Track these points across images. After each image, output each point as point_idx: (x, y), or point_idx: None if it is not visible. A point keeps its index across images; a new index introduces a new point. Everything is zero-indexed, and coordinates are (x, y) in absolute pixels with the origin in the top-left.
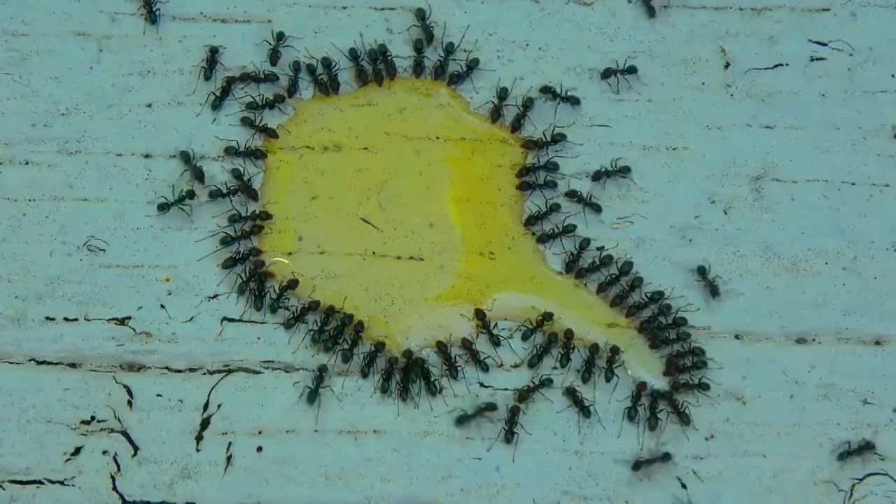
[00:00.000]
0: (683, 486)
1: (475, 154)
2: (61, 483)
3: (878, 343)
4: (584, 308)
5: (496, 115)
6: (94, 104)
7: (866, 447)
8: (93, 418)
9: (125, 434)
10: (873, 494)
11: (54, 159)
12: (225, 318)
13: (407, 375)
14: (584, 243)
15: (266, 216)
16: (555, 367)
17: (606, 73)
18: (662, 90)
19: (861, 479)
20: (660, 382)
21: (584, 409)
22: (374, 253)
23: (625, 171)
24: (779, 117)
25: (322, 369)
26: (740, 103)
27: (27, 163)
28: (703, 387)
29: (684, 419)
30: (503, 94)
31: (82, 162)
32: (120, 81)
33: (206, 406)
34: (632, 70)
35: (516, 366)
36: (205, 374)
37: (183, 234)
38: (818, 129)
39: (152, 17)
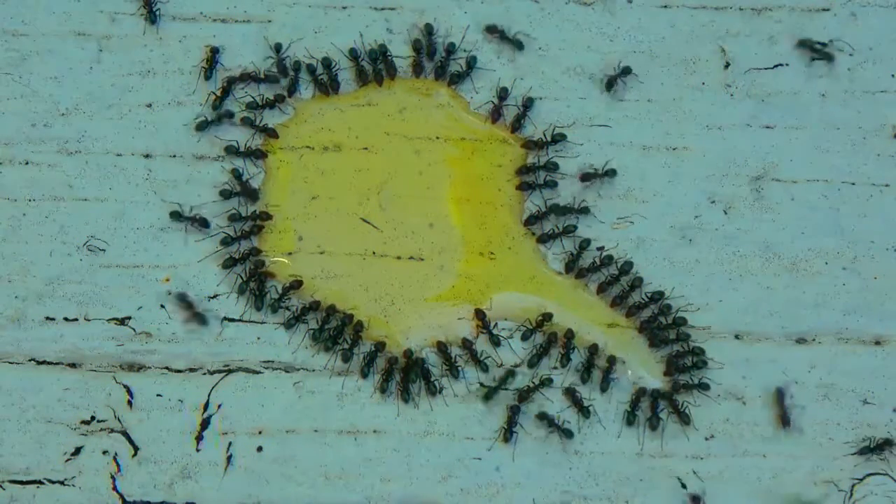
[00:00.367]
0: (683, 486)
1: (475, 154)
2: (61, 483)
3: (878, 343)
4: (584, 308)
5: (496, 115)
6: (94, 104)
7: (886, 444)
8: (93, 418)
9: (125, 434)
10: (873, 494)
11: (54, 159)
12: (225, 318)
13: (407, 375)
14: (585, 243)
15: (266, 216)
16: (554, 367)
17: (609, 84)
18: (662, 90)
19: (861, 479)
20: (660, 382)
21: (583, 410)
22: (374, 253)
23: (611, 173)
24: (779, 117)
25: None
26: (740, 103)
27: (27, 163)
28: (703, 387)
29: (684, 419)
30: (503, 94)
31: (82, 162)
32: (120, 81)
33: (206, 406)
34: (627, 71)
35: (516, 366)
36: (205, 374)
37: (183, 234)
38: (818, 129)
39: (152, 17)
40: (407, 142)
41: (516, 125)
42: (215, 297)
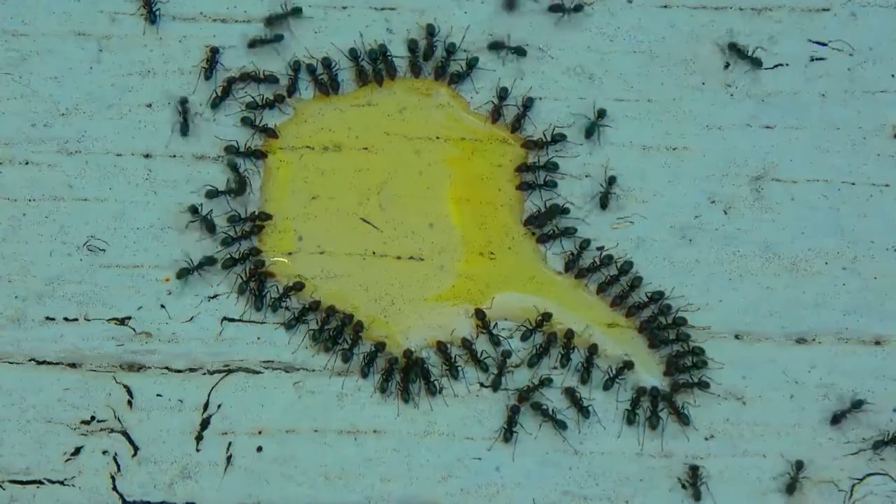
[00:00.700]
0: (683, 486)
1: (475, 154)
2: (61, 483)
3: (878, 343)
4: (584, 308)
5: (496, 115)
6: (94, 104)
7: (856, 406)
8: (93, 418)
9: (125, 434)
10: (873, 494)
11: (54, 159)
12: (225, 318)
13: (407, 375)
14: (585, 243)
15: (266, 216)
16: (554, 367)
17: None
18: (662, 90)
19: (861, 479)
20: (660, 382)
21: (582, 410)
22: (374, 253)
23: (560, 137)
24: (779, 117)
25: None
26: (740, 103)
27: (27, 163)
28: (703, 385)
29: (684, 420)
30: (503, 94)
31: (82, 162)
32: (120, 81)
33: (206, 406)
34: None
35: (516, 366)
36: (205, 374)
37: (183, 235)
38: (818, 129)
39: (152, 17)
40: (407, 142)
41: (516, 125)
42: (215, 297)
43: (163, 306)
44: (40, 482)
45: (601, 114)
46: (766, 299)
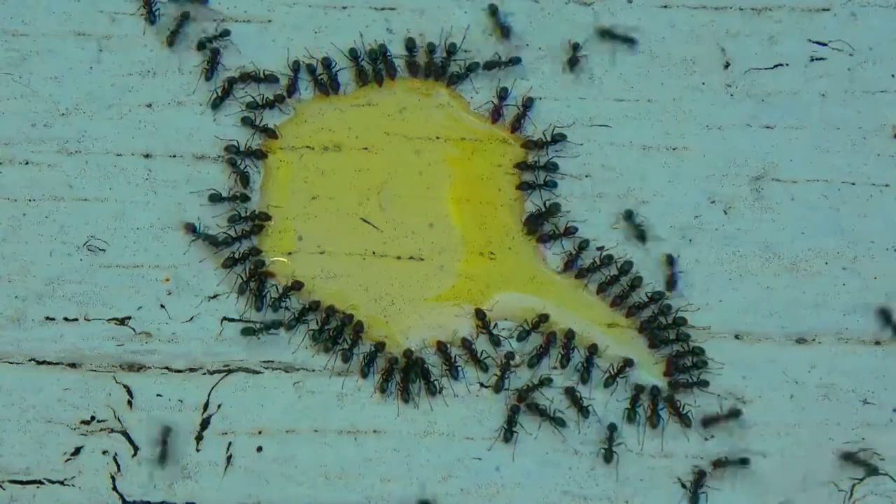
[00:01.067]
0: (683, 486)
1: (475, 154)
2: (61, 483)
3: (878, 343)
4: (584, 308)
5: (496, 115)
6: (94, 104)
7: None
8: (93, 418)
9: (125, 434)
10: (873, 494)
11: (54, 159)
12: (225, 318)
13: (407, 375)
14: (584, 244)
15: (266, 216)
16: (554, 367)
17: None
18: (662, 90)
19: (861, 479)
20: (660, 382)
21: (582, 410)
22: (374, 253)
23: (560, 137)
24: (779, 117)
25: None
26: (740, 103)
27: (27, 163)
28: (703, 384)
29: (685, 421)
30: (503, 94)
31: (82, 162)
32: (120, 81)
33: (206, 406)
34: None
35: (516, 366)
36: (205, 374)
37: (183, 235)
38: (818, 129)
39: (152, 17)
40: (407, 142)
41: (516, 125)
42: (215, 297)
43: (163, 306)
44: (40, 482)
45: (576, 47)
46: (766, 299)
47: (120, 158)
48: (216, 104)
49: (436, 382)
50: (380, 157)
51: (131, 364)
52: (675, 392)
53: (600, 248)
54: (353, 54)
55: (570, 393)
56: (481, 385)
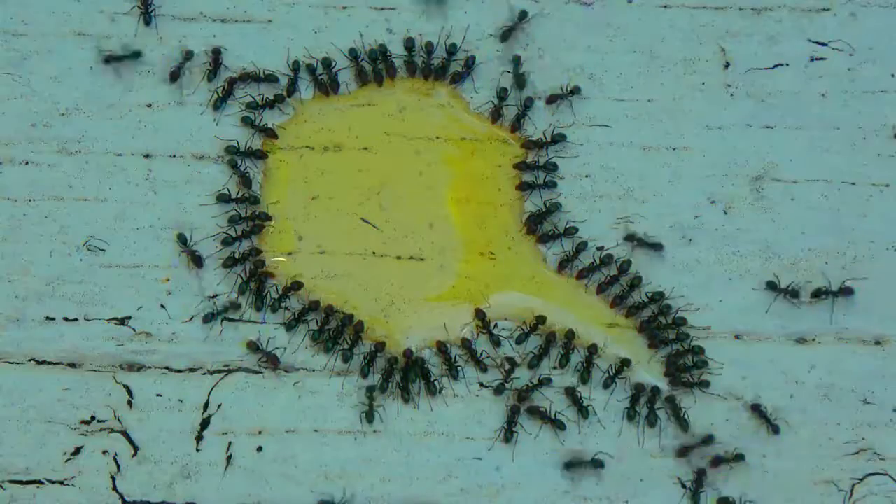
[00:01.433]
0: (683, 486)
1: (475, 154)
2: (61, 483)
3: (878, 343)
4: (584, 308)
5: (496, 115)
6: (94, 104)
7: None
8: (93, 418)
9: (125, 434)
10: (873, 494)
11: (54, 159)
12: (225, 318)
13: (407, 375)
14: (582, 245)
15: (266, 217)
16: (554, 368)
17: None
18: (662, 90)
19: (861, 479)
20: (660, 382)
21: (582, 410)
22: (374, 253)
23: (577, 90)
24: (779, 117)
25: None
26: (740, 103)
27: (27, 163)
28: (703, 384)
29: (683, 425)
30: (503, 94)
31: (82, 162)
32: (120, 81)
33: (206, 406)
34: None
35: (517, 365)
36: (205, 374)
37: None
38: (818, 129)
39: (147, 17)
40: (407, 142)
41: (516, 125)
42: (215, 297)
43: (163, 306)
44: (40, 482)
45: (522, 16)
46: (766, 299)
47: (120, 158)
48: (217, 105)
49: (436, 382)
50: (380, 157)
51: (131, 364)
52: (675, 392)
53: (600, 248)
54: (353, 54)
55: (570, 393)
56: (481, 385)
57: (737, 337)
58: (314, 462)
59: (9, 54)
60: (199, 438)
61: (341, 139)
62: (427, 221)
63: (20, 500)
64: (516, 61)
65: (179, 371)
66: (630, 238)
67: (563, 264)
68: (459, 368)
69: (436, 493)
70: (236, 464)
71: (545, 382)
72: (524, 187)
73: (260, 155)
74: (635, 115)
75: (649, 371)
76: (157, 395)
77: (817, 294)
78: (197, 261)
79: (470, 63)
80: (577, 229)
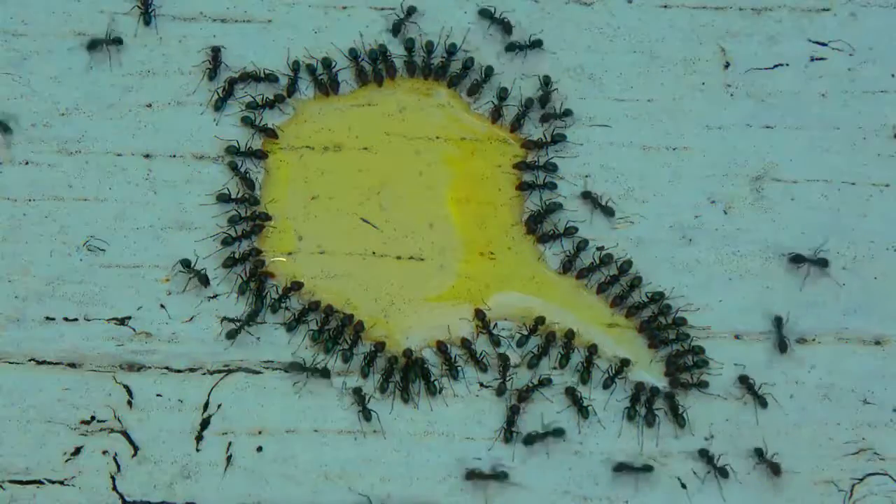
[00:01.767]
0: (683, 486)
1: (475, 154)
2: (61, 483)
3: (878, 343)
4: (584, 308)
5: (496, 115)
6: (94, 104)
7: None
8: (93, 418)
9: (125, 434)
10: (873, 494)
11: (54, 159)
12: (225, 318)
13: (407, 375)
14: (583, 244)
15: (266, 217)
16: (554, 368)
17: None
18: (662, 90)
19: (861, 479)
20: (659, 382)
21: (582, 410)
22: (374, 253)
23: (560, 137)
24: (779, 117)
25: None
26: (740, 103)
27: (27, 163)
28: (702, 385)
29: (680, 422)
30: (503, 94)
31: (82, 162)
32: (120, 81)
33: (206, 406)
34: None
35: (515, 366)
36: (205, 374)
37: (183, 235)
38: (818, 129)
39: (147, 17)
40: (407, 142)
41: (516, 125)
42: (215, 297)
43: (163, 306)
44: (40, 482)
45: (410, 11)
46: (766, 299)
47: (120, 158)
48: (218, 105)
49: (436, 382)
50: (380, 157)
51: (131, 364)
52: (675, 391)
53: (600, 248)
54: (353, 54)
55: (571, 393)
56: (481, 385)
57: (737, 337)
58: (314, 462)
59: (9, 54)
60: (199, 438)
61: (341, 139)
62: (427, 221)
63: (20, 500)
64: (547, 82)
65: (179, 371)
66: (586, 196)
67: (567, 265)
68: (459, 368)
69: (436, 493)
70: (236, 464)
71: (545, 382)
72: (524, 187)
73: (260, 155)
74: (635, 115)
75: (649, 371)
76: (157, 395)
77: (795, 260)
78: (204, 280)
79: (469, 64)
80: (577, 229)
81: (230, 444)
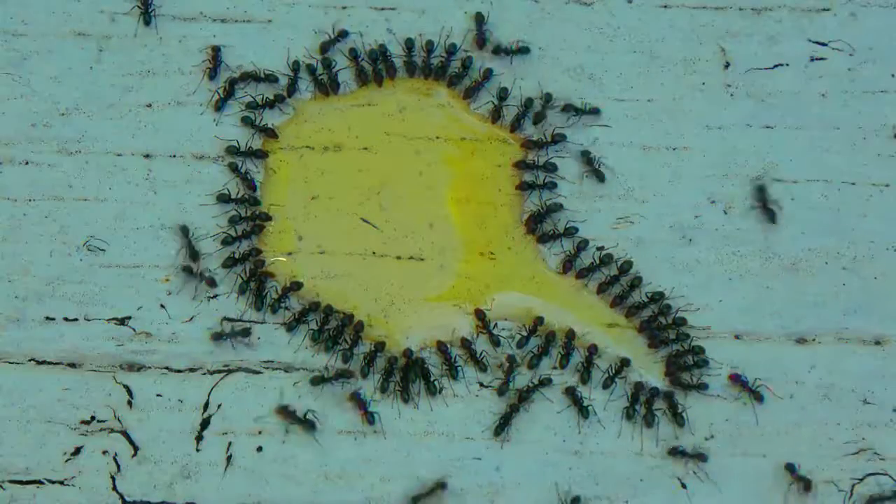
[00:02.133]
0: (683, 485)
1: (475, 154)
2: (61, 483)
3: (878, 343)
4: (584, 308)
5: (496, 115)
6: (94, 104)
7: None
8: (93, 418)
9: (125, 434)
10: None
11: (54, 159)
12: (225, 318)
13: (407, 375)
14: (583, 244)
15: (266, 217)
16: (554, 368)
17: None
18: (662, 90)
19: (861, 479)
20: (659, 382)
21: (582, 410)
22: (374, 253)
23: (560, 137)
24: (779, 117)
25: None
26: (740, 103)
27: (27, 163)
28: (702, 387)
29: (679, 421)
30: (503, 94)
31: (82, 162)
32: (120, 81)
33: (206, 406)
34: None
35: (517, 366)
36: (205, 374)
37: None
38: (818, 129)
39: (147, 17)
40: (407, 142)
41: (516, 125)
42: (215, 297)
43: (163, 306)
44: (40, 482)
45: (341, 35)
46: (766, 299)
47: (120, 158)
48: (219, 106)
49: (436, 382)
50: (380, 157)
51: (131, 364)
52: (675, 391)
53: (600, 248)
54: (353, 54)
55: (571, 393)
56: (481, 385)
57: (737, 337)
58: (314, 462)
59: (9, 54)
60: (199, 438)
61: (341, 139)
62: (427, 221)
63: (20, 500)
64: (550, 98)
65: (179, 371)
66: (567, 108)
67: (567, 265)
68: (459, 368)
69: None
70: (236, 464)
71: (545, 382)
72: (524, 187)
73: (260, 155)
74: (635, 115)
75: (649, 371)
76: (157, 395)
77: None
78: (211, 283)
79: (468, 64)
80: (577, 229)
81: (230, 444)
